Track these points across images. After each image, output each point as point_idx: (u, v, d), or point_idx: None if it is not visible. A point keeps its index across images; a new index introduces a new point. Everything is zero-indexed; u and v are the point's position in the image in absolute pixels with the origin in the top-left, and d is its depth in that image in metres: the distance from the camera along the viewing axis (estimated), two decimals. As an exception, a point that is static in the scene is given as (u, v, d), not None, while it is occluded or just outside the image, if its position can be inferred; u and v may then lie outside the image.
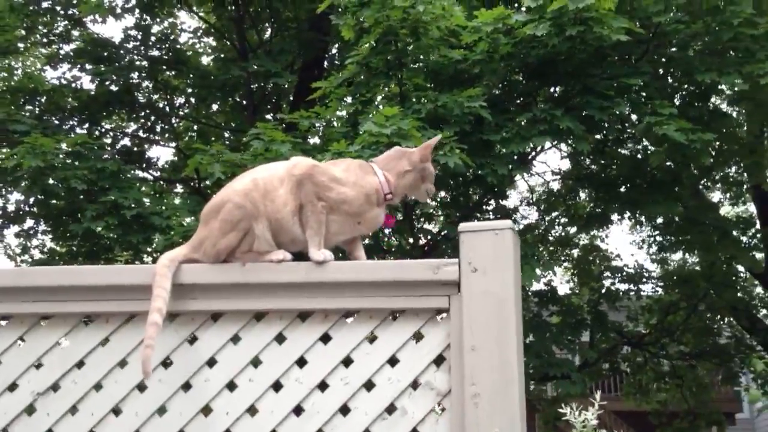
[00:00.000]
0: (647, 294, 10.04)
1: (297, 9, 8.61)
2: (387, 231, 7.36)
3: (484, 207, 7.37)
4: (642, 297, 9.92)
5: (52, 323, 1.94)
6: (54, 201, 7.74)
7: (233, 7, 8.74)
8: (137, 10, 8.49)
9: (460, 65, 5.87)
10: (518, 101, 6.39)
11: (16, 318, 1.94)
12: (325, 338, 1.88)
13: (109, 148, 8.35)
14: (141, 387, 1.89)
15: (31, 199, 8.11)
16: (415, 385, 1.83)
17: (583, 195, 9.63)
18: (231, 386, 1.88)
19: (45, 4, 7.98)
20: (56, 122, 8.20)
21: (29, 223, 8.62)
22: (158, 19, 8.99)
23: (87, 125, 8.66)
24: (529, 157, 7.01)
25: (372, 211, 2.04)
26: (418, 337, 1.85)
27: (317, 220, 1.96)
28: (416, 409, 1.80)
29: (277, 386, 1.86)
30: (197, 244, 1.99)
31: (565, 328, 7.43)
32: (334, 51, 9.19)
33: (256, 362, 1.89)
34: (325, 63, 9.22)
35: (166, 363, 1.91)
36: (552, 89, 6.38)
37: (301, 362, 1.87)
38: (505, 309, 1.77)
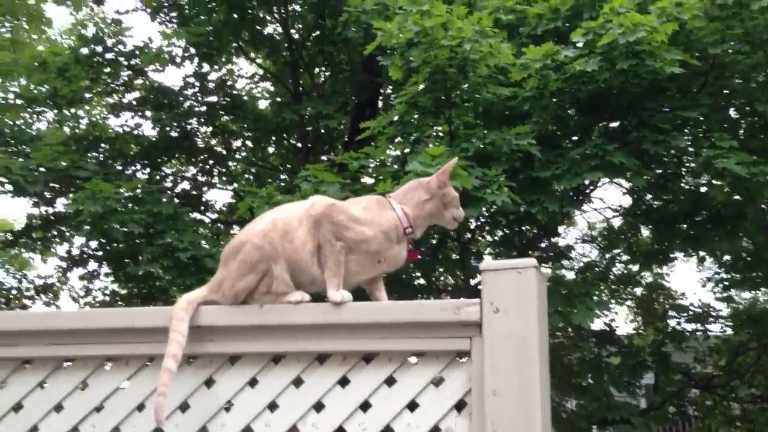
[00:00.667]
0: (715, 334, 9.59)
1: (350, 52, 8.73)
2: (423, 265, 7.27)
3: (538, 245, 7.22)
4: (710, 337, 9.48)
5: (74, 366, 1.94)
6: (114, 244, 7.96)
7: (287, 53, 8.92)
8: (196, 59, 8.75)
9: (510, 102, 5.81)
10: (570, 137, 6.27)
11: (38, 361, 1.95)
12: (344, 381, 1.82)
13: (168, 192, 8.55)
14: None
15: (93, 243, 8.36)
16: (435, 431, 1.75)
17: (645, 232, 9.35)
18: (248, 431, 1.83)
19: (108, 56, 8.28)
20: (119, 168, 8.45)
21: (92, 265, 8.86)
22: (216, 67, 9.25)
23: (148, 170, 8.92)
24: (583, 194, 6.84)
25: (392, 248, 1.99)
26: (438, 381, 1.77)
27: (336, 260, 1.92)
28: (436, 457, 1.72)
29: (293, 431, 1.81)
30: (216, 285, 1.97)
31: (625, 370, 7.14)
32: (389, 92, 9.27)
33: (273, 406, 1.84)
34: (380, 104, 9.29)
35: (183, 407, 1.88)
36: (605, 124, 6.23)
37: (319, 406, 1.82)
38: (528, 351, 1.68)
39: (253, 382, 1.87)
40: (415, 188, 2.10)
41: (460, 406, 1.75)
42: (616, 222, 9.64)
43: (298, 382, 1.84)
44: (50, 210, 8.17)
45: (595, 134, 6.19)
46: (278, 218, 1.98)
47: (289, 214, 2.00)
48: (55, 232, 8.41)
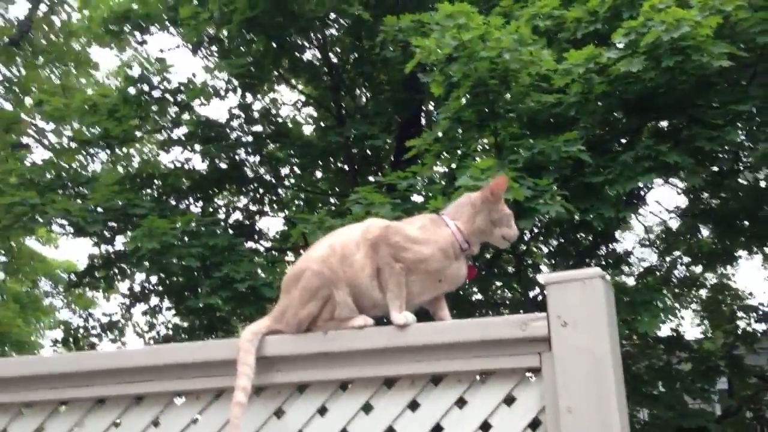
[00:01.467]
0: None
1: (389, 71, 8.77)
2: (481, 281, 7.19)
3: (596, 252, 7.09)
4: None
5: (145, 403, 1.97)
6: (173, 278, 8.11)
7: (328, 77, 9.00)
8: (239, 90, 8.89)
9: (555, 109, 5.75)
10: (619, 141, 6.16)
11: (111, 400, 1.98)
12: (414, 405, 1.80)
13: (222, 223, 8.68)
14: (232, 465, 1.86)
15: (153, 278, 8.54)
16: (511, 452, 1.71)
17: (705, 232, 9.11)
18: (320, 460, 1.83)
19: (155, 94, 8.48)
20: (172, 203, 8.62)
21: (154, 300, 9.05)
22: (259, 96, 9.38)
23: (201, 203, 9.08)
24: (638, 197, 6.71)
25: (451, 266, 1.96)
26: (510, 399, 1.74)
27: (396, 282, 1.91)
28: (514, 478, 1.68)
29: (366, 459, 1.80)
30: (279, 314, 1.97)
31: (696, 376, 6.93)
32: (431, 107, 9.27)
33: (344, 434, 1.83)
34: (423, 121, 9.29)
35: (254, 438, 1.89)
36: (655, 124, 6.11)
37: (390, 432, 1.80)
38: (601, 365, 1.64)
39: (322, 411, 1.86)
40: (465, 203, 2.06)
41: (534, 424, 1.71)
42: (674, 224, 9.43)
43: (367, 408, 1.83)
44: (110, 249, 8.36)
45: (645, 135, 6.08)
46: (336, 243, 1.98)
47: (346, 238, 2.00)
48: (116, 270, 8.59)
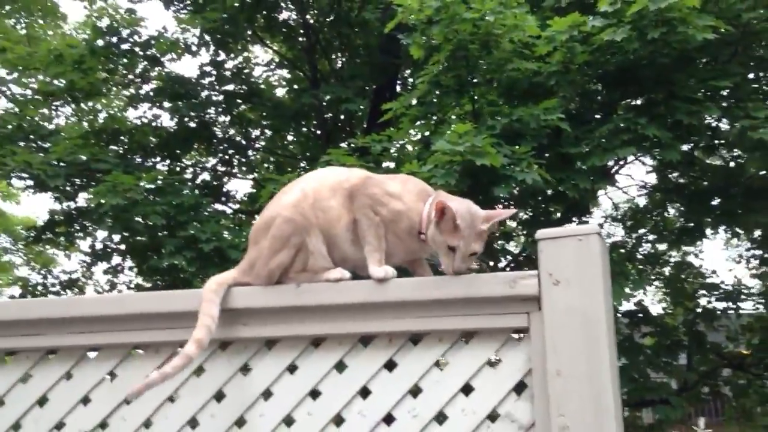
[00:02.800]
0: (748, 312, 9.34)
1: (367, 36, 8.56)
2: None
3: (565, 225, 7.02)
4: (741, 316, 9.23)
5: (101, 356, 1.82)
6: (137, 237, 7.89)
7: (304, 38, 8.77)
8: (212, 47, 8.62)
9: (535, 78, 5.63)
10: (597, 112, 6.08)
11: (63, 351, 1.83)
12: (390, 365, 1.68)
13: (189, 184, 8.46)
14: (193, 423, 1.73)
15: (116, 237, 8.30)
16: (493, 417, 1.60)
17: (672, 210, 9.14)
18: (288, 421, 1.70)
19: (124, 47, 8.19)
20: (139, 160, 8.37)
21: (116, 260, 8.81)
22: (232, 55, 9.12)
23: (168, 162, 8.84)
24: (612, 171, 6.66)
25: (413, 242, 1.80)
26: (494, 361, 1.63)
27: (375, 234, 1.77)
28: (496, 444, 1.58)
29: (338, 420, 1.68)
30: (248, 266, 1.83)
31: (660, 350, 6.95)
32: (407, 74, 9.10)
33: (315, 393, 1.71)
34: (398, 87, 9.13)
35: (218, 396, 1.76)
36: (634, 97, 6.03)
37: (365, 392, 1.68)
38: (594, 326, 1.53)
39: (292, 368, 1.73)
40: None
41: (519, 388, 1.61)
42: (641, 201, 9.45)
43: (340, 366, 1.71)
44: (72, 205, 8.11)
45: (622, 109, 6.00)
46: (307, 187, 1.84)
47: (318, 182, 1.85)
48: (78, 227, 8.34)
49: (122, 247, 8.47)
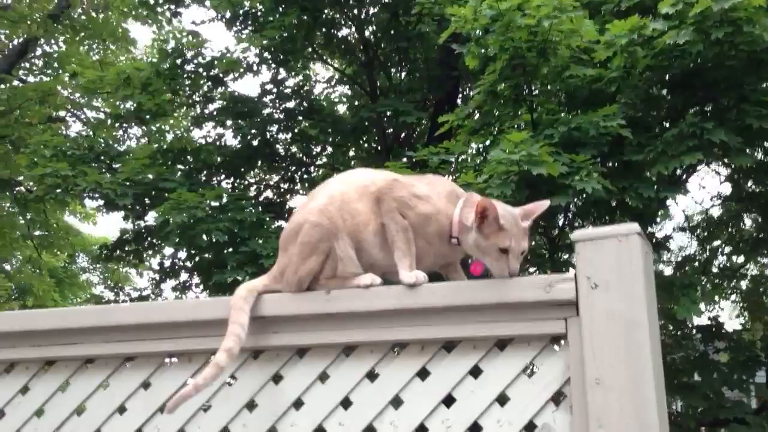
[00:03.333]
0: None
1: (425, 49, 8.55)
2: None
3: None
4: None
5: (135, 365, 1.82)
6: (201, 254, 8.04)
7: (362, 54, 8.82)
8: (272, 65, 8.75)
9: (596, 84, 5.48)
10: (662, 119, 5.87)
11: (100, 360, 1.84)
12: (423, 373, 1.62)
13: (252, 201, 8.58)
14: (225, 432, 1.71)
15: (182, 254, 8.48)
16: (530, 428, 1.52)
17: (748, 221, 8.77)
18: (319, 431, 1.66)
19: (188, 68, 8.39)
20: (204, 179, 8.54)
21: (183, 276, 8.99)
22: (293, 73, 9.24)
23: (232, 179, 9.00)
24: (681, 179, 6.41)
25: (443, 246, 1.75)
26: (531, 370, 1.55)
27: (405, 239, 1.71)
28: (532, 457, 1.49)
29: (369, 431, 1.62)
30: (278, 273, 1.80)
31: (735, 367, 6.62)
32: (468, 89, 9.04)
33: (346, 403, 1.66)
34: (459, 100, 9.06)
35: (250, 405, 1.73)
36: (701, 102, 5.80)
37: (397, 402, 1.62)
38: (636, 332, 1.43)
39: (323, 377, 1.69)
40: (471, 205, 1.72)
41: (558, 398, 1.52)
42: (715, 212, 9.10)
43: (372, 375, 1.66)
44: (141, 224, 8.34)
45: (689, 114, 5.78)
46: (334, 191, 1.80)
47: (345, 186, 1.81)
48: (147, 245, 8.57)
49: (189, 264, 8.65)
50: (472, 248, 1.69)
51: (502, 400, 1.55)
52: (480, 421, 1.55)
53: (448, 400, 1.58)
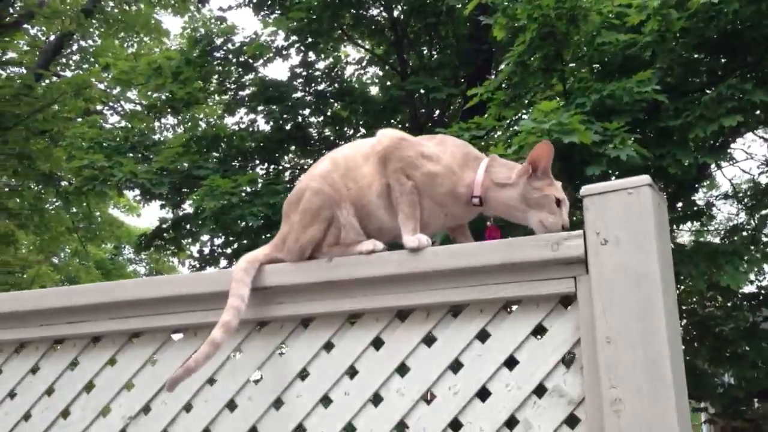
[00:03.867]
0: None
1: (454, 24, 8.40)
2: None
3: (674, 205, 6.60)
4: None
5: (141, 341, 1.80)
6: (237, 240, 8.09)
7: (391, 33, 8.72)
8: (302, 48, 8.71)
9: (629, 50, 5.30)
10: (701, 82, 5.67)
11: (106, 337, 1.82)
12: (429, 340, 1.56)
13: (288, 186, 8.58)
14: (231, 406, 1.68)
15: (219, 240, 8.54)
16: (540, 391, 1.45)
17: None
18: (325, 401, 1.62)
19: (217, 55, 8.40)
20: (238, 165, 8.57)
21: (223, 263, 9.06)
22: (323, 55, 9.19)
23: (266, 165, 9.01)
24: (723, 144, 6.19)
25: (457, 207, 1.68)
26: (540, 331, 1.47)
27: (409, 201, 1.64)
28: (543, 422, 1.42)
29: (376, 399, 1.57)
30: (280, 241, 1.76)
31: (786, 336, 6.43)
32: (499, 63, 8.88)
33: (351, 372, 1.61)
34: (492, 75, 8.91)
35: (255, 378, 1.69)
36: (741, 63, 5.58)
37: (403, 370, 1.57)
38: (647, 287, 1.35)
39: (328, 347, 1.64)
40: (508, 168, 1.69)
41: (568, 359, 1.45)
42: (764, 180, 8.80)
43: (377, 343, 1.60)
44: (179, 212, 8.42)
45: (726, 76, 5.57)
46: (339, 156, 1.75)
47: (351, 151, 1.76)
48: (185, 233, 8.64)
49: (228, 251, 8.71)
50: (516, 203, 1.63)
51: (510, 363, 1.49)
52: (488, 386, 1.49)
53: (456, 366, 1.52)
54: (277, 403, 1.65)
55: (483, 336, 1.52)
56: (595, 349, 1.38)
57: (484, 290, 1.51)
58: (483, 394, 1.48)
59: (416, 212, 1.65)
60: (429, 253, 1.57)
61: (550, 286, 1.46)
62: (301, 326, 1.68)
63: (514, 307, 1.52)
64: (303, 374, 1.65)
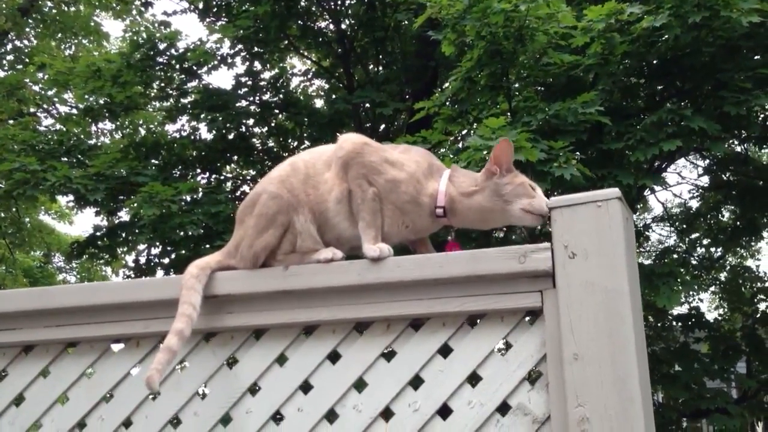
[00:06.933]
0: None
1: (402, 39, 8.43)
2: None
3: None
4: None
5: (78, 351, 1.68)
6: (175, 249, 7.87)
7: (338, 46, 8.69)
8: (246, 57, 8.59)
9: (573, 71, 5.39)
10: (641, 106, 5.80)
11: (40, 346, 1.69)
12: (389, 354, 1.50)
13: (229, 196, 8.41)
14: (175, 422, 1.58)
15: (156, 250, 8.29)
16: (503, 409, 1.41)
17: (726, 213, 8.78)
18: (277, 417, 1.53)
19: (160, 59, 8.20)
20: (178, 174, 8.36)
21: (159, 274, 8.80)
22: (268, 65, 9.08)
23: (207, 174, 8.83)
24: (659, 168, 6.36)
25: (420, 218, 1.64)
26: (504, 347, 1.43)
27: (370, 209, 1.59)
28: (506, 441, 1.38)
29: (331, 416, 1.50)
30: (233, 247, 1.67)
31: (716, 357, 6.58)
32: (445, 80, 8.94)
33: (306, 387, 1.54)
34: (437, 91, 8.96)
35: (202, 392, 1.60)
36: (679, 89, 5.75)
37: (360, 385, 1.50)
38: (616, 302, 1.32)
39: (281, 360, 1.56)
40: (469, 176, 1.69)
41: (533, 377, 1.41)
42: (694, 204, 9.11)
43: (334, 357, 1.53)
44: (115, 220, 8.15)
45: (668, 101, 5.72)
46: (299, 160, 1.68)
47: (313, 156, 1.69)
48: (120, 241, 8.36)
49: (165, 261, 8.46)
50: (491, 204, 1.61)
51: (473, 379, 1.44)
52: (450, 403, 1.43)
53: (416, 382, 1.46)
54: (225, 420, 1.56)
55: (445, 351, 1.47)
56: (561, 365, 1.34)
57: (447, 303, 1.46)
58: (444, 411, 1.43)
59: (378, 220, 1.59)
60: (391, 262, 1.51)
61: (516, 299, 1.42)
62: (252, 337, 1.60)
63: (478, 321, 1.47)
64: (254, 388, 1.57)
